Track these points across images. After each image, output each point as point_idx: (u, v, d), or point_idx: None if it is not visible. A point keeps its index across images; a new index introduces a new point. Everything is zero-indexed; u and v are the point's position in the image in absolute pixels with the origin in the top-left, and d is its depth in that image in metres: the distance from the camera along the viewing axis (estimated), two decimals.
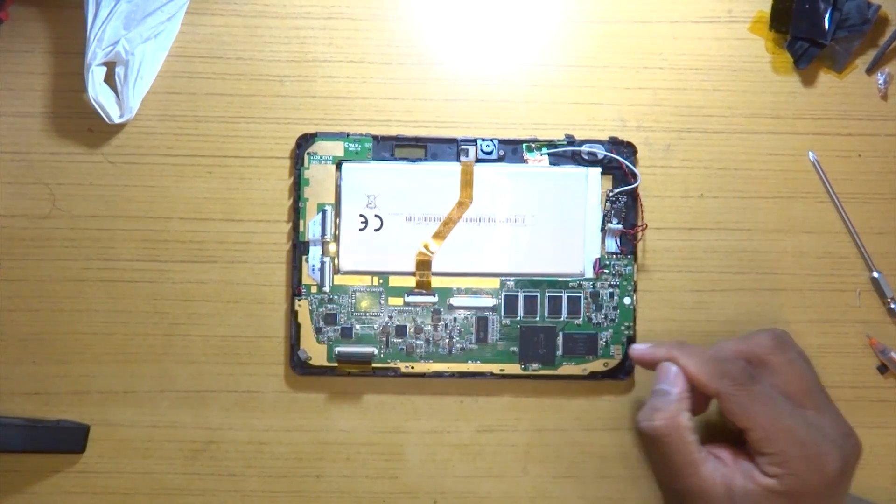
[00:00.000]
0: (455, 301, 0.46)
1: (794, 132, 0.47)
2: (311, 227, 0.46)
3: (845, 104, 0.47)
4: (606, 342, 0.46)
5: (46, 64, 0.46)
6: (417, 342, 0.46)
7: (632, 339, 0.46)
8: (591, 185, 0.46)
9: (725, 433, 0.42)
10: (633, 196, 0.46)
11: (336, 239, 0.46)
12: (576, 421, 0.46)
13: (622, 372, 0.46)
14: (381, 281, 0.46)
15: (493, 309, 0.46)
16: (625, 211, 0.46)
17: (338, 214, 0.46)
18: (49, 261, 0.46)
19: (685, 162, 0.47)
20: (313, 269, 0.45)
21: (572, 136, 0.46)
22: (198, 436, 0.46)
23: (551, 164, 0.46)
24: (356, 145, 0.46)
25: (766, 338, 0.42)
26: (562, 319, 0.46)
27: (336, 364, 0.45)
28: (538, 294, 0.46)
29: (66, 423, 0.45)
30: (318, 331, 0.45)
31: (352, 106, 0.46)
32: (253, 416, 0.46)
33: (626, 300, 0.46)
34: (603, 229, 0.46)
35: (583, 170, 0.46)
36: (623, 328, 0.46)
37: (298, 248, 0.45)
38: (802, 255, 0.47)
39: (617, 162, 0.46)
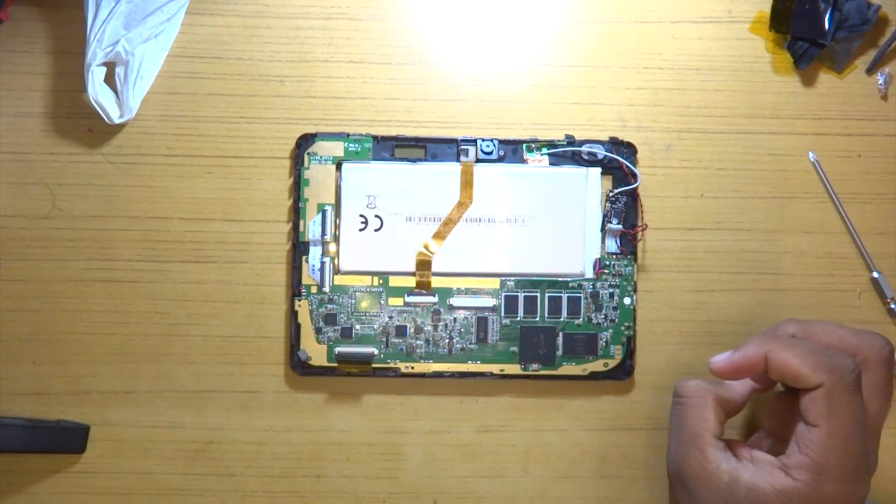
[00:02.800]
0: (455, 301, 0.46)
1: (794, 132, 0.47)
2: (311, 227, 0.46)
3: (845, 104, 0.47)
4: (606, 342, 0.46)
5: (46, 64, 0.46)
6: (417, 342, 0.46)
7: (632, 339, 0.46)
8: (591, 185, 0.46)
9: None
10: (633, 196, 0.46)
11: (336, 239, 0.46)
12: (576, 421, 0.46)
13: (622, 372, 0.46)
14: (381, 281, 0.46)
15: (493, 309, 0.46)
16: (625, 211, 0.46)
17: (338, 214, 0.46)
18: (49, 261, 0.46)
19: (685, 162, 0.47)
20: (313, 269, 0.45)
21: (572, 136, 0.46)
22: (198, 436, 0.46)
23: (551, 164, 0.46)
24: (356, 145, 0.46)
25: (881, 344, 0.39)
26: (562, 319, 0.46)
27: (336, 364, 0.45)
28: (538, 294, 0.46)
29: (66, 423, 0.45)
30: (318, 331, 0.45)
31: (352, 106, 0.46)
32: (253, 416, 0.46)
33: (626, 300, 0.46)
34: (603, 229, 0.46)
35: (583, 170, 0.46)
36: (623, 328, 0.46)
37: (298, 248, 0.45)
38: (802, 255, 0.47)
39: (617, 162, 0.46)
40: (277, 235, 0.46)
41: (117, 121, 0.45)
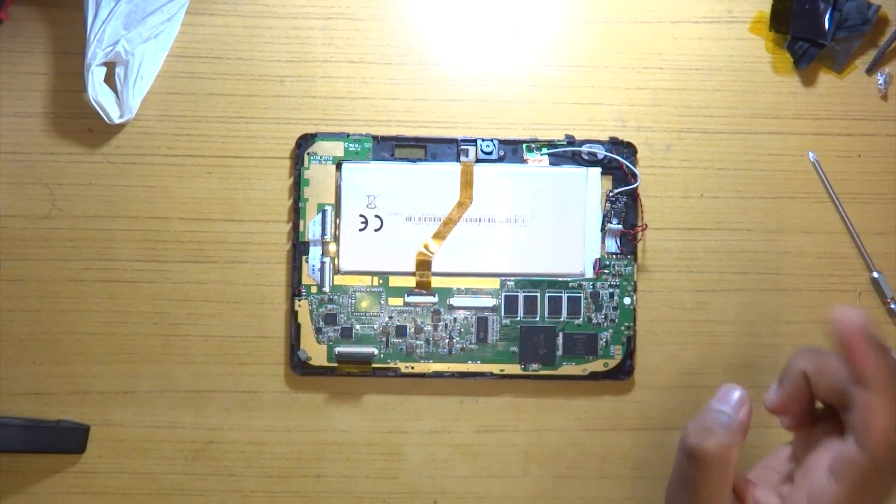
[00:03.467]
0: (455, 301, 0.46)
1: (794, 132, 0.47)
2: (311, 227, 0.46)
3: (845, 104, 0.47)
4: (606, 342, 0.46)
5: (46, 64, 0.46)
6: (417, 342, 0.46)
7: (632, 339, 0.46)
8: (591, 185, 0.46)
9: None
10: (633, 196, 0.46)
11: (336, 239, 0.46)
12: (576, 421, 0.46)
13: (622, 372, 0.46)
14: (381, 281, 0.46)
15: (493, 309, 0.46)
16: (625, 211, 0.46)
17: (338, 214, 0.46)
18: (49, 261, 0.46)
19: (685, 162, 0.47)
20: (313, 270, 0.45)
21: (572, 136, 0.46)
22: (198, 436, 0.46)
23: (551, 164, 0.46)
24: (356, 145, 0.46)
25: None
26: (562, 319, 0.46)
27: (336, 364, 0.45)
28: (538, 294, 0.46)
29: (66, 423, 0.45)
30: (318, 331, 0.45)
31: (352, 106, 0.46)
32: (253, 416, 0.46)
33: (626, 300, 0.46)
34: (603, 229, 0.46)
35: (583, 170, 0.46)
36: (623, 328, 0.46)
37: (298, 248, 0.45)
38: (802, 255, 0.47)
39: (617, 162, 0.46)
40: (277, 235, 0.46)
41: (117, 121, 0.45)
